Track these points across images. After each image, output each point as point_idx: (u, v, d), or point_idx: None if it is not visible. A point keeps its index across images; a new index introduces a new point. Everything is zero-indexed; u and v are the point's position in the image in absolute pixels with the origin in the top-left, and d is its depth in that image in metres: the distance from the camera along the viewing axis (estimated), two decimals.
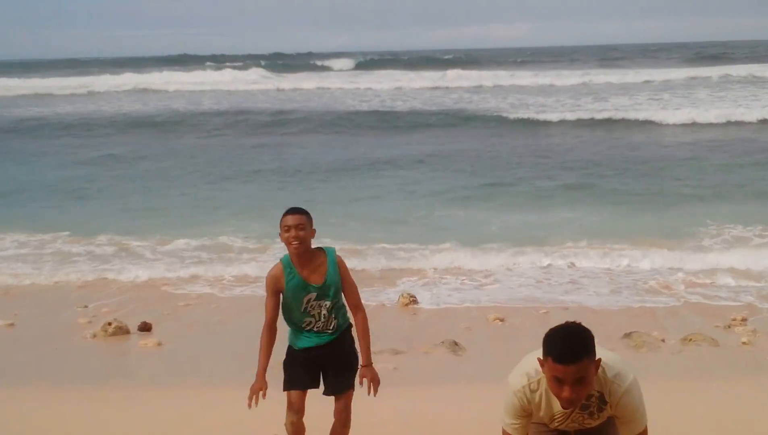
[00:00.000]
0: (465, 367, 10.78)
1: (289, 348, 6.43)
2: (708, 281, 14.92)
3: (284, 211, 6.13)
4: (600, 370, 4.48)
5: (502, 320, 12.69)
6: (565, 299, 13.96)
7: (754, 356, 10.99)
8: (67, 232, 19.06)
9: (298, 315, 6.22)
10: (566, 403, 4.29)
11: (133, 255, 17.39)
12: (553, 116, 40.20)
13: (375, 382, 6.32)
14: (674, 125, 37.47)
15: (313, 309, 6.18)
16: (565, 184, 24.62)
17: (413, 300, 13.79)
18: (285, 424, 6.37)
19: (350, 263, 7.24)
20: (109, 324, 12.21)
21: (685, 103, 44.90)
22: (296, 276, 6.09)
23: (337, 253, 6.33)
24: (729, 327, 12.18)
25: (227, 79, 74.36)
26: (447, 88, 61.10)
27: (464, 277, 15.53)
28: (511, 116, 40.62)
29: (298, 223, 5.98)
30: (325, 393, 6.43)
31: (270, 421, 8.09)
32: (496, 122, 39.57)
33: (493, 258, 16.62)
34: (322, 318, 6.20)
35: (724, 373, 10.18)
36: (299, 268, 6.08)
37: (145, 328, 12.44)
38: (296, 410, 6.28)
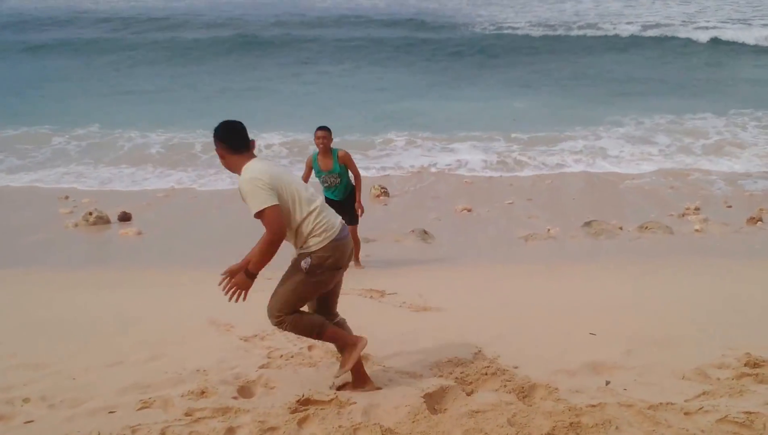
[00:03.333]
0: (434, 253, 10.79)
1: None
2: (663, 169, 15.02)
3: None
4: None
5: (469, 210, 12.66)
6: (532, 192, 13.98)
7: (705, 242, 11.06)
8: (48, 125, 18.74)
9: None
10: None
11: (110, 148, 17.15)
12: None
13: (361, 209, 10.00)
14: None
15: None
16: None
17: (384, 192, 13.68)
18: None
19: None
20: (90, 214, 12.05)
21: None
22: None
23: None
24: (683, 216, 12.24)
25: None
26: None
27: (433, 169, 15.50)
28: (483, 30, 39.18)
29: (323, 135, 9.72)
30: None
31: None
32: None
33: (462, 150, 16.61)
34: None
35: (677, 257, 10.24)
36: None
37: (125, 217, 12.29)
38: None
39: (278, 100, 22.15)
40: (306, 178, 9.85)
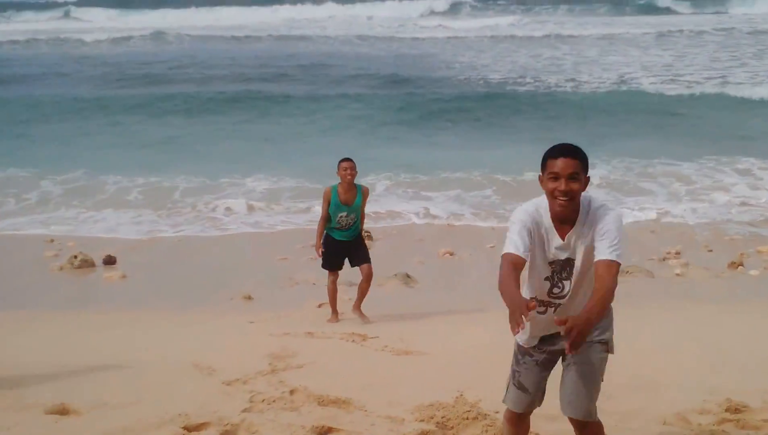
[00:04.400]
0: (416, 296, 10.77)
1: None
2: (642, 215, 15.08)
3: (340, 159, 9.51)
4: (588, 200, 4.45)
5: (452, 254, 12.68)
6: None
7: (686, 286, 11.08)
8: (34, 168, 18.72)
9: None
10: (561, 195, 4.30)
11: (97, 192, 17.12)
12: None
13: None
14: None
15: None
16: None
17: (367, 235, 13.63)
18: (327, 285, 9.67)
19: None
20: (75, 257, 12.01)
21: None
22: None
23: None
24: (664, 260, 12.27)
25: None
26: None
27: (415, 213, 15.52)
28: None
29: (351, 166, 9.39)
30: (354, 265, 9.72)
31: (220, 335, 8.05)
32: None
33: (444, 194, 16.67)
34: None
35: (657, 301, 10.25)
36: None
37: (110, 261, 12.25)
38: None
39: (255, 149, 22.08)
40: (325, 214, 9.51)
